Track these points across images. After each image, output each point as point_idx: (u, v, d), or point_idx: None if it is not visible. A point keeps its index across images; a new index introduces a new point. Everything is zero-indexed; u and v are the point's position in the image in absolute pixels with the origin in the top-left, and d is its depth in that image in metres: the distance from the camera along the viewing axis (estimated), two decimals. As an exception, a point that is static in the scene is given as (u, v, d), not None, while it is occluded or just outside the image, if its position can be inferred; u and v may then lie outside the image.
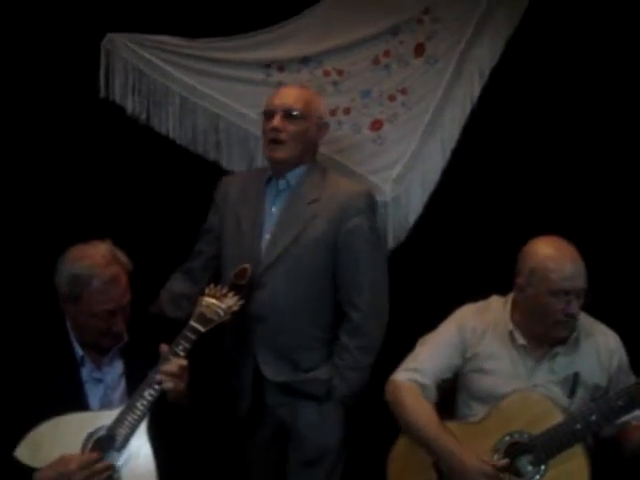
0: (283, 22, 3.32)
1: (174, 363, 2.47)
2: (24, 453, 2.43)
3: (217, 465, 2.94)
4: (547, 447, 2.56)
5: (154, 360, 2.50)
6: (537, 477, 2.58)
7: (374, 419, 2.96)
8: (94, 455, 2.41)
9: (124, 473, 2.43)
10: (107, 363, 2.61)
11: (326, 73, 3.34)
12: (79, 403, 2.55)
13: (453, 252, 3.33)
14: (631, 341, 2.75)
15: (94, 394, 2.59)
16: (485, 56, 3.31)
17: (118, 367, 2.61)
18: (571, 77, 3.26)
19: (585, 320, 2.72)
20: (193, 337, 2.54)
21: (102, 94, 3.32)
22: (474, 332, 2.75)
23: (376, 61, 3.33)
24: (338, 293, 2.91)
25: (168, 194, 3.38)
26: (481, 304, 2.82)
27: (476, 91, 3.33)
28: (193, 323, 2.58)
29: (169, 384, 2.45)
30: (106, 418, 2.47)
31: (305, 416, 2.92)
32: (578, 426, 2.54)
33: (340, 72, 3.34)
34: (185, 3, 3.34)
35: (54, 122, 3.33)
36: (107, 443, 2.44)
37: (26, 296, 3.13)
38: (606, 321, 2.76)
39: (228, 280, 2.78)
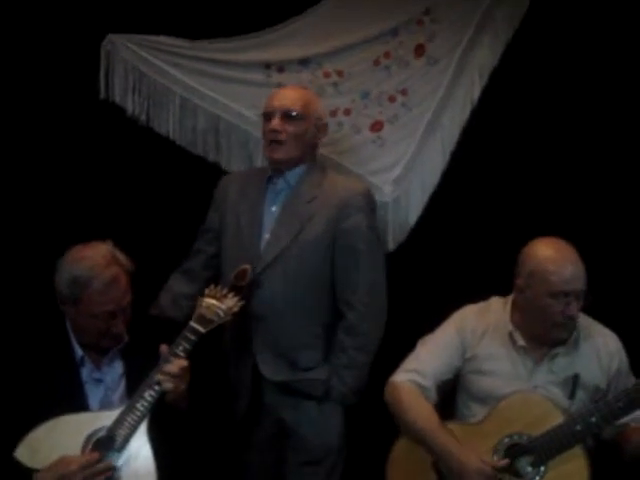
0: (283, 23, 3.32)
1: (175, 364, 2.47)
2: (24, 454, 2.42)
3: (216, 465, 2.94)
4: (547, 448, 2.56)
5: (154, 361, 2.49)
6: (537, 478, 2.58)
7: (374, 420, 2.96)
8: (95, 455, 2.41)
9: (124, 474, 2.43)
10: (107, 364, 2.61)
11: (326, 74, 3.34)
12: (79, 404, 2.55)
13: (453, 253, 3.34)
14: (631, 342, 2.75)
15: (94, 395, 2.59)
16: (485, 57, 3.30)
17: (118, 368, 2.61)
18: (571, 78, 3.25)
19: (585, 321, 2.72)
20: (193, 338, 2.54)
21: (102, 95, 3.33)
22: (474, 333, 2.75)
23: (376, 62, 3.33)
24: (336, 292, 2.92)
25: (168, 195, 3.38)
26: (481, 305, 2.83)
27: (476, 92, 3.33)
28: (193, 324, 2.58)
29: (169, 384, 2.45)
30: (106, 419, 2.47)
31: (304, 416, 2.93)
32: (578, 427, 2.54)
33: (340, 73, 3.35)
34: (185, 4, 3.34)
35: (54, 123, 3.34)
36: (107, 444, 2.44)
37: (26, 297, 3.13)
38: (606, 322, 2.76)
39: (228, 281, 2.78)
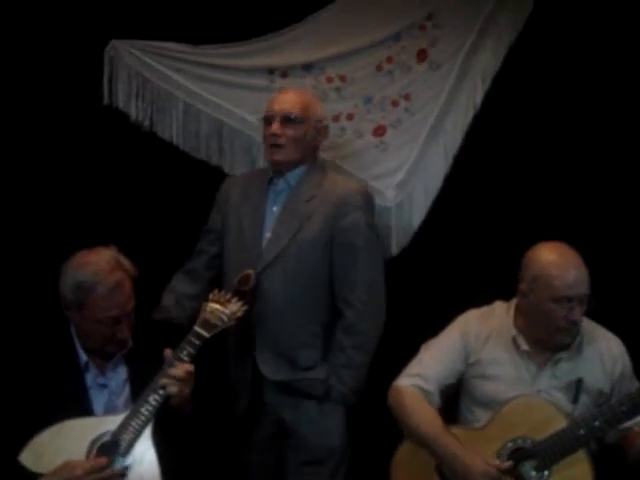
0: (286, 29, 3.33)
1: (180, 368, 2.47)
2: (28, 458, 2.42)
3: (218, 466, 2.94)
4: (550, 453, 2.56)
5: (158, 365, 2.49)
6: (540, 482, 2.59)
7: (377, 423, 2.96)
8: (102, 461, 2.40)
9: (129, 478, 2.42)
10: (111, 369, 2.61)
11: (329, 79, 3.35)
12: (83, 409, 2.55)
13: (456, 257, 3.34)
14: (634, 346, 2.75)
15: (98, 400, 2.59)
16: (488, 61, 3.31)
17: (122, 373, 2.61)
18: (575, 82, 3.25)
19: (588, 326, 2.72)
20: (197, 342, 2.54)
21: (106, 101, 3.34)
22: (477, 338, 2.75)
23: (379, 67, 3.34)
24: (335, 290, 2.93)
25: (172, 200, 3.39)
26: (484, 309, 2.83)
27: (479, 96, 3.33)
28: (197, 329, 2.58)
29: (174, 388, 2.45)
30: (110, 423, 2.47)
31: (304, 415, 2.94)
32: (581, 432, 2.54)
33: (343, 78, 3.35)
34: (188, 10, 3.34)
35: (58, 129, 3.35)
36: (111, 448, 2.44)
37: (31, 302, 3.13)
38: (609, 327, 2.76)
39: (232, 286, 2.79)
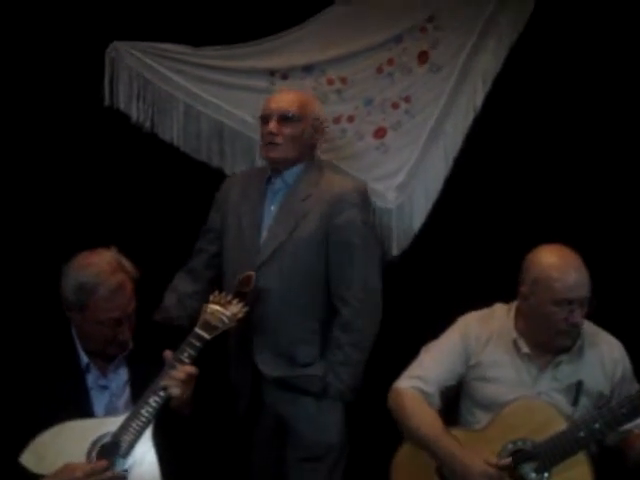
0: (287, 31, 3.33)
1: (182, 370, 2.47)
2: (29, 460, 2.42)
3: (219, 466, 2.95)
4: (551, 454, 2.56)
5: (159, 367, 2.49)
6: (540, 484, 2.59)
7: (378, 424, 2.96)
8: (102, 463, 2.41)
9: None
10: (112, 370, 2.61)
11: (330, 81, 3.36)
12: (84, 410, 2.55)
13: (457, 259, 3.34)
14: (635, 349, 2.75)
15: (99, 401, 2.59)
16: (489, 62, 3.31)
17: (123, 374, 2.61)
18: (575, 84, 3.25)
19: (589, 328, 2.72)
20: (198, 344, 2.54)
21: (107, 102, 3.34)
22: (478, 340, 2.75)
23: (379, 69, 3.34)
24: (331, 287, 2.94)
25: (173, 201, 3.39)
26: (485, 312, 2.83)
27: (479, 99, 3.33)
28: (198, 330, 2.58)
29: (177, 390, 2.45)
30: (111, 425, 2.47)
31: (302, 412, 2.95)
32: (582, 434, 2.54)
33: (344, 80, 3.36)
34: (189, 12, 3.35)
35: (59, 130, 3.35)
36: (112, 450, 2.44)
37: (32, 304, 3.14)
38: (609, 329, 2.77)
39: (232, 287, 2.80)
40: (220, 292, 2.74)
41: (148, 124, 3.37)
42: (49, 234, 3.30)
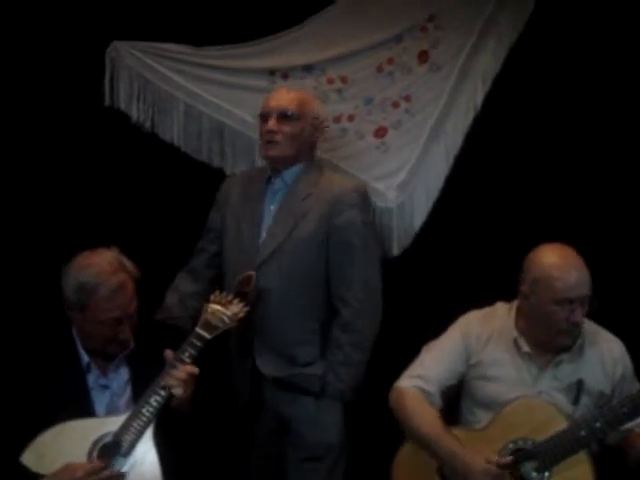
0: (287, 30, 3.33)
1: (183, 369, 2.47)
2: (30, 459, 2.43)
3: (219, 466, 2.95)
4: (551, 454, 2.56)
5: (160, 367, 2.50)
6: (541, 483, 2.59)
7: (379, 423, 2.97)
8: (101, 463, 2.41)
9: (130, 479, 2.43)
10: (113, 370, 2.61)
11: (330, 80, 3.35)
12: (85, 410, 2.55)
13: (458, 258, 3.34)
14: (635, 348, 2.75)
15: (100, 401, 2.59)
16: (489, 62, 3.31)
17: (124, 374, 2.62)
18: (575, 84, 3.25)
19: (590, 327, 2.72)
20: (199, 344, 2.55)
21: (107, 102, 3.34)
22: (478, 339, 2.75)
23: (380, 68, 3.34)
24: (330, 288, 2.94)
25: (173, 201, 3.39)
26: (486, 311, 2.83)
27: (479, 98, 3.33)
28: (198, 330, 2.59)
29: (179, 390, 2.45)
30: (112, 424, 2.48)
31: (302, 412, 2.95)
32: (582, 433, 2.54)
33: (344, 79, 3.35)
34: (189, 11, 3.35)
35: (59, 130, 3.35)
36: (113, 449, 2.44)
37: (33, 303, 3.14)
38: (610, 328, 2.77)
39: (233, 287, 2.80)
40: (221, 292, 2.74)
41: (148, 124, 3.37)
42: (49, 234, 3.29)
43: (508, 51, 3.29)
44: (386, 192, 3.34)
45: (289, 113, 2.94)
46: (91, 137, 3.36)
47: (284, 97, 3.00)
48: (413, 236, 3.36)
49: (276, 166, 3.00)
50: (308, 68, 3.36)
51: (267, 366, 2.95)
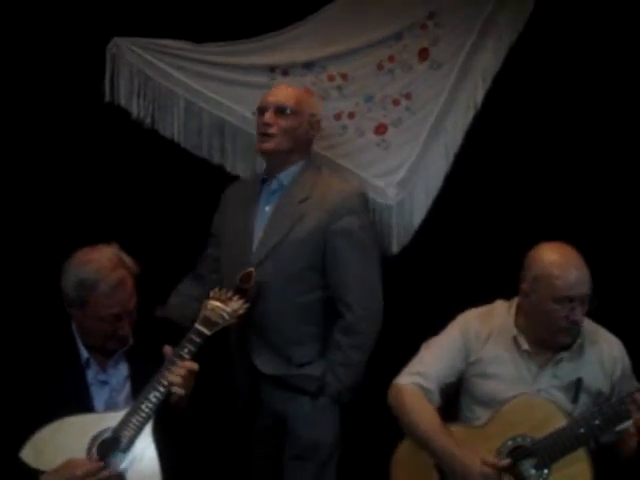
0: (288, 27, 3.32)
1: (182, 365, 2.47)
2: (29, 455, 2.42)
3: (219, 461, 2.95)
4: (550, 451, 2.57)
5: (159, 363, 2.50)
6: (540, 480, 2.59)
7: (377, 421, 2.97)
8: (101, 463, 2.40)
9: (129, 475, 2.43)
10: (112, 366, 2.61)
11: (330, 78, 3.35)
12: (84, 405, 2.55)
13: (457, 256, 3.34)
14: (634, 347, 2.75)
15: (99, 396, 2.59)
16: (489, 61, 3.30)
17: (123, 370, 2.62)
18: (575, 82, 3.25)
19: (589, 326, 2.73)
20: (198, 340, 2.55)
21: (107, 98, 3.33)
22: (478, 336, 2.76)
23: (380, 66, 3.33)
24: (330, 291, 2.94)
25: (173, 197, 3.39)
26: (485, 308, 2.83)
27: (479, 96, 3.32)
28: (198, 326, 2.59)
29: (179, 390, 2.45)
30: (111, 420, 2.47)
31: (298, 410, 2.96)
32: (581, 430, 2.55)
33: (344, 76, 3.35)
34: (190, 8, 3.34)
35: (60, 126, 3.35)
36: (112, 445, 2.44)
37: (32, 299, 3.14)
38: (610, 327, 2.77)
39: (233, 284, 2.80)
40: (221, 288, 2.74)
41: (149, 120, 3.36)
42: (49, 230, 3.29)
43: (508, 50, 3.29)
44: (386, 189, 3.33)
45: (286, 108, 2.96)
46: (91, 134, 3.36)
47: (282, 92, 3.02)
48: (412, 234, 3.35)
49: (271, 163, 3.01)
50: (308, 65, 3.36)
51: (265, 364, 2.96)
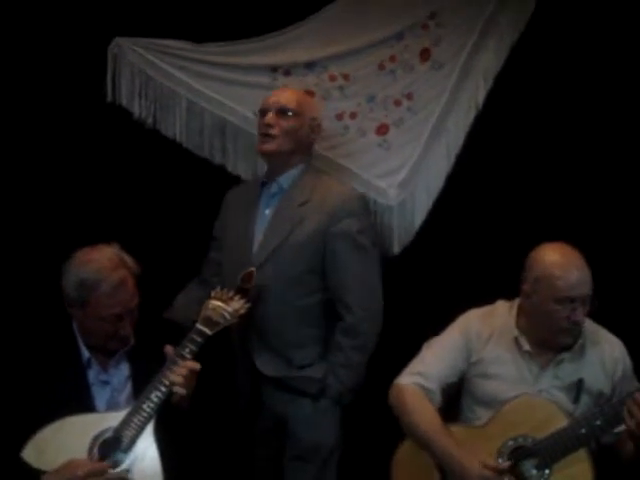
0: (289, 27, 3.32)
1: (183, 365, 2.47)
2: (31, 455, 2.42)
3: (220, 461, 2.95)
4: (551, 451, 2.57)
5: (160, 362, 2.50)
6: (541, 481, 2.59)
7: (378, 422, 2.97)
8: (104, 465, 2.40)
9: (130, 475, 2.42)
10: (114, 365, 2.61)
11: (332, 78, 3.35)
12: (86, 405, 2.55)
13: (458, 256, 3.34)
14: (635, 348, 2.75)
15: (101, 396, 2.59)
16: (490, 61, 3.30)
17: (124, 369, 2.62)
18: (576, 82, 3.25)
19: (591, 327, 2.73)
20: (199, 340, 2.55)
21: (109, 98, 3.33)
22: (479, 337, 2.76)
23: (382, 66, 3.33)
24: (330, 293, 2.95)
25: (174, 197, 3.39)
26: (486, 309, 2.83)
27: (481, 96, 3.33)
28: (199, 326, 2.59)
29: (181, 390, 2.45)
30: (112, 420, 2.47)
31: (299, 411, 2.96)
32: (583, 430, 2.55)
33: (346, 77, 3.35)
34: (191, 8, 3.35)
35: (61, 126, 3.35)
36: (113, 445, 2.44)
37: (33, 300, 3.14)
38: (610, 327, 2.77)
39: (234, 286, 2.80)
40: (222, 288, 2.74)
41: (150, 120, 3.36)
42: (50, 230, 3.29)
43: (510, 50, 3.29)
44: (387, 190, 3.33)
45: (288, 109, 2.96)
46: (93, 134, 3.36)
47: (284, 94, 3.03)
48: (414, 234, 3.35)
49: (272, 165, 3.01)
50: (310, 65, 3.36)
51: (266, 366, 2.96)
